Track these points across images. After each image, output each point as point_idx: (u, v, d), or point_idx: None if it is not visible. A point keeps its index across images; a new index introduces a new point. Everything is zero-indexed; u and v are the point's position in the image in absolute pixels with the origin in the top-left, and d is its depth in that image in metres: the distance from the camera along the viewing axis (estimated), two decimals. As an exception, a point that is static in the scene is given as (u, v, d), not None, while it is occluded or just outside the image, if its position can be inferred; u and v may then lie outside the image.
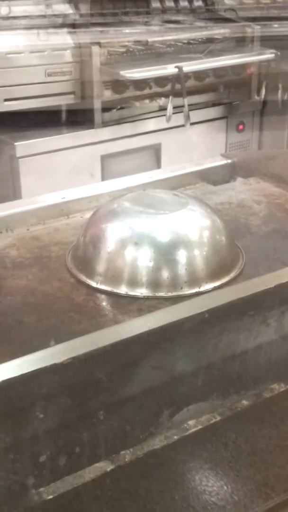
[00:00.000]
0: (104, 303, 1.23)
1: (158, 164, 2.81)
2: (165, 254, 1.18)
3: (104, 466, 0.85)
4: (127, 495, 0.85)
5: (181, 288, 1.17)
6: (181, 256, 1.17)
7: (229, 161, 1.77)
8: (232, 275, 1.21)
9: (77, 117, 2.32)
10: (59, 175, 2.41)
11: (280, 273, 1.01)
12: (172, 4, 2.89)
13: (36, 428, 0.80)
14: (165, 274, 1.17)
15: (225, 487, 0.88)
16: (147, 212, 1.24)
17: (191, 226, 1.21)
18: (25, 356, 0.76)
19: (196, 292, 1.15)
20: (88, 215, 1.56)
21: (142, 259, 1.18)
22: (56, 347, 0.79)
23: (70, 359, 0.75)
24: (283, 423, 0.98)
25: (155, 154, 2.80)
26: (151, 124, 2.70)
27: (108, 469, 0.85)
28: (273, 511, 0.88)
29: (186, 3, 2.91)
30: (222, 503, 0.86)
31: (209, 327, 0.88)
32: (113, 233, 1.24)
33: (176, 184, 1.71)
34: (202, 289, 1.16)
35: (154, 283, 1.18)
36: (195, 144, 2.82)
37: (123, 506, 0.84)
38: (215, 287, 1.16)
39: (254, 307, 0.91)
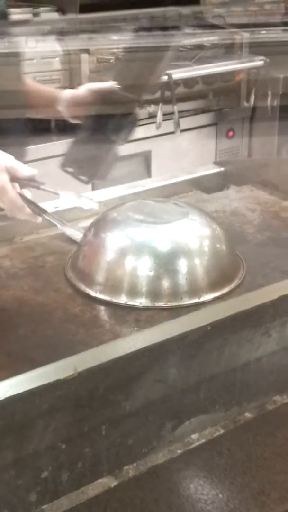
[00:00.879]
0: (100, 314, 1.22)
1: (148, 171, 2.80)
2: (166, 264, 1.16)
3: (107, 482, 0.84)
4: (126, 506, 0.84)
5: (181, 298, 1.16)
6: (182, 266, 1.16)
7: (222, 169, 1.76)
8: (232, 285, 1.21)
9: (66, 125, 2.29)
10: (49, 182, 2.39)
11: (282, 284, 1.01)
12: (160, 11, 2.89)
13: (38, 444, 0.78)
14: (165, 284, 1.16)
15: (220, 495, 0.87)
16: (147, 222, 1.23)
17: (192, 236, 1.20)
18: (27, 373, 0.75)
19: (195, 302, 1.14)
20: (81, 224, 1.55)
21: (142, 269, 1.17)
22: (58, 363, 0.78)
23: (73, 375, 0.74)
24: (278, 430, 0.98)
25: (145, 161, 2.79)
26: (140, 131, 2.68)
27: (112, 485, 0.83)
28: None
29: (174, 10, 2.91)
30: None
31: (212, 340, 0.87)
32: (113, 243, 1.23)
33: (169, 192, 1.70)
34: (202, 299, 1.15)
35: (154, 293, 1.17)
36: (185, 151, 2.82)
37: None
38: (215, 297, 1.16)
39: (256, 319, 0.90)
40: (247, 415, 0.95)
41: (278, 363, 0.97)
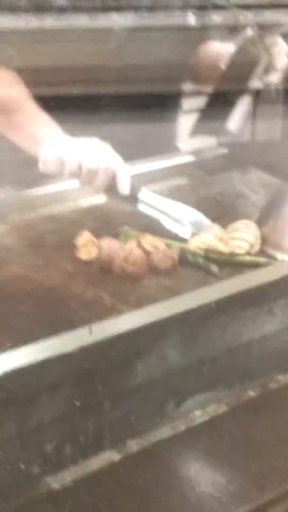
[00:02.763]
0: (102, 293, 1.21)
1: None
2: None
3: (110, 455, 0.83)
4: (125, 486, 0.83)
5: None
6: None
7: (225, 150, 1.75)
8: None
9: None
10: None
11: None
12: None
13: (41, 417, 0.78)
14: None
15: (220, 478, 0.87)
16: None
17: None
18: (33, 345, 0.74)
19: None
20: (82, 203, 1.54)
21: None
22: (64, 336, 0.77)
23: (78, 349, 0.73)
24: (279, 413, 0.97)
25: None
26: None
27: (115, 459, 0.83)
28: (269, 503, 0.87)
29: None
30: (218, 495, 0.85)
31: (216, 317, 0.86)
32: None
33: (172, 172, 1.69)
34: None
35: None
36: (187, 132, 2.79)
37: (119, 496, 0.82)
38: None
39: (261, 297, 0.90)
40: (250, 393, 0.94)
41: (282, 342, 0.97)
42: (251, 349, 0.93)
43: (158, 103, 1.65)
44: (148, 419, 0.87)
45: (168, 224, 1.38)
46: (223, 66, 1.51)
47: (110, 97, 1.53)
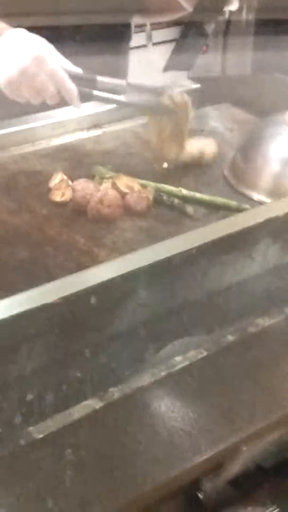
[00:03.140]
0: (77, 236, 1.20)
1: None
2: None
3: (93, 403, 0.84)
4: (105, 430, 0.85)
5: None
6: None
7: (198, 85, 1.71)
8: None
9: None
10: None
11: (267, 207, 0.99)
12: None
13: (22, 367, 0.78)
14: None
15: (191, 414, 0.89)
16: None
17: None
18: (14, 297, 0.73)
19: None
20: (54, 142, 1.51)
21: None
22: (45, 287, 0.76)
23: (60, 299, 0.72)
24: (248, 351, 0.99)
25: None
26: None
27: (97, 407, 0.84)
28: (237, 434, 0.89)
29: None
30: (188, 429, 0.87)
31: (196, 263, 0.86)
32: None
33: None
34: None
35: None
36: (157, 65, 2.73)
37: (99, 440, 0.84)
38: None
39: (242, 242, 0.89)
40: (229, 338, 0.95)
41: (261, 286, 0.97)
42: (231, 294, 0.93)
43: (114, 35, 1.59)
44: (129, 366, 0.88)
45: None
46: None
47: (67, 28, 1.47)
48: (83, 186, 1.28)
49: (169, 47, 2.79)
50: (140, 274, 0.79)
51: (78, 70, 1.26)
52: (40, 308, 0.72)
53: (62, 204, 1.27)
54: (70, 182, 1.30)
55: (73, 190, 1.28)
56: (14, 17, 1.28)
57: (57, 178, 1.31)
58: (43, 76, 1.18)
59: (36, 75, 1.18)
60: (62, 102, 1.24)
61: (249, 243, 0.89)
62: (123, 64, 1.76)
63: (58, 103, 1.23)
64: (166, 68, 1.65)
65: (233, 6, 1.44)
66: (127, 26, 1.69)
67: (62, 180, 1.30)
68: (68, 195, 1.28)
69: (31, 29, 1.26)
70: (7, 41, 1.20)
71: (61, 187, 1.29)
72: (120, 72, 1.72)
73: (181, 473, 0.84)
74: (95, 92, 1.28)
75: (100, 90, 1.28)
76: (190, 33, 1.56)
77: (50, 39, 1.24)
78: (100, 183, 1.31)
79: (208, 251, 0.84)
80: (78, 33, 1.48)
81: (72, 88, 1.22)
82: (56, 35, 1.26)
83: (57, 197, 1.28)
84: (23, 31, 1.22)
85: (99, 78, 1.29)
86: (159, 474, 0.81)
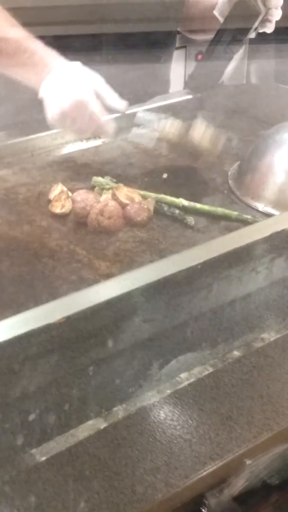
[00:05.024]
0: (78, 248, 1.19)
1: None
2: None
3: (97, 423, 0.82)
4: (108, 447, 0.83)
5: None
6: None
7: (198, 95, 1.70)
8: None
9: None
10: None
11: (273, 220, 0.98)
12: None
13: (25, 387, 0.76)
14: None
15: (190, 421, 0.88)
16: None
17: None
18: (17, 316, 0.72)
19: None
20: (53, 153, 1.49)
21: None
22: (48, 305, 0.75)
23: (63, 318, 0.71)
24: (244, 357, 0.98)
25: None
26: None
27: (102, 427, 0.82)
28: (237, 444, 0.88)
29: None
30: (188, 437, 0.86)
31: (201, 279, 0.84)
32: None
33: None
34: None
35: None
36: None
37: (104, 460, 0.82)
38: None
39: (247, 256, 0.88)
40: (235, 353, 0.94)
41: (265, 300, 0.96)
42: (236, 308, 0.92)
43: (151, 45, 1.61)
44: (133, 383, 0.86)
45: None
46: (218, 16, 1.48)
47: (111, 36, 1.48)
48: (83, 197, 1.27)
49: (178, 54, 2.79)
50: (144, 291, 0.77)
51: (122, 105, 1.31)
52: (44, 328, 0.70)
53: (62, 216, 1.26)
54: (69, 194, 1.29)
55: (73, 201, 1.27)
56: (55, 25, 1.29)
57: (57, 190, 1.30)
58: (83, 119, 1.26)
59: (76, 119, 1.26)
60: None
61: (255, 257, 0.88)
62: (165, 72, 1.78)
63: None
64: (186, 87, 1.67)
65: (269, 30, 1.45)
66: (171, 35, 1.74)
67: (61, 192, 1.29)
68: (68, 207, 1.27)
69: (75, 37, 1.29)
70: (59, 76, 1.25)
71: (60, 199, 1.27)
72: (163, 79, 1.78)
73: (183, 489, 0.83)
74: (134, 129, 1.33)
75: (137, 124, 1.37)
76: (214, 52, 1.57)
77: (95, 47, 1.26)
78: (100, 194, 1.30)
79: (213, 266, 0.83)
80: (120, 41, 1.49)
81: (108, 130, 1.31)
82: (99, 43, 1.27)
83: (57, 209, 1.27)
84: (77, 65, 1.27)
85: (140, 113, 1.39)
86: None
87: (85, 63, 1.28)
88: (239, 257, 0.86)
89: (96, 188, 1.33)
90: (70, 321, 0.72)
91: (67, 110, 1.24)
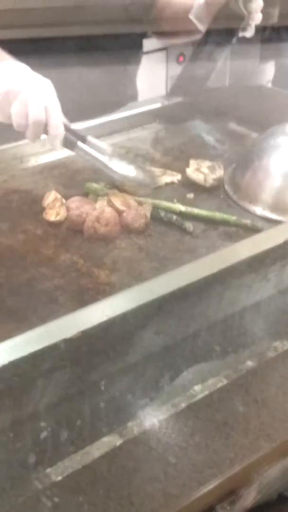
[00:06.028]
0: (75, 256, 1.16)
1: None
2: None
3: (113, 440, 0.80)
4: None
5: None
6: None
7: (186, 98, 1.68)
8: None
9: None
10: None
11: (283, 228, 0.97)
12: None
13: (37, 405, 0.73)
14: None
15: (185, 429, 0.86)
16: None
17: None
18: (29, 332, 0.69)
19: None
20: (43, 159, 1.46)
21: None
22: (60, 321, 0.72)
23: (79, 333, 0.68)
24: (243, 363, 0.96)
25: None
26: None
27: (117, 444, 0.79)
28: (234, 450, 0.87)
29: None
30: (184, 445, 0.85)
31: (211, 289, 0.82)
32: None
33: (133, 123, 1.62)
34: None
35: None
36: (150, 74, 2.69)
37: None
38: None
39: (258, 264, 0.86)
40: (249, 363, 0.92)
41: (276, 308, 0.94)
42: (248, 317, 0.90)
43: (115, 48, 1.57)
44: (145, 397, 0.84)
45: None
46: (194, 19, 1.46)
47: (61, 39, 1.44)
48: (77, 204, 1.24)
49: (146, 58, 2.77)
50: (157, 304, 0.75)
51: (59, 132, 1.22)
52: (60, 343, 0.67)
53: (57, 224, 1.23)
54: (63, 201, 1.26)
55: (68, 208, 1.24)
56: (21, 28, 1.25)
57: (51, 197, 1.27)
58: (37, 103, 1.16)
59: (27, 99, 1.15)
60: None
61: (266, 265, 0.86)
62: (132, 75, 1.74)
63: (36, 137, 1.21)
64: (171, 93, 1.64)
65: (249, 34, 1.43)
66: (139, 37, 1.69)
67: (55, 199, 1.26)
68: (62, 214, 1.24)
69: (41, 40, 1.24)
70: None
71: (55, 206, 1.24)
72: (128, 83, 1.72)
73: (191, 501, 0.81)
74: (80, 144, 1.26)
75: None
76: (200, 56, 1.55)
77: (60, 50, 1.21)
78: (95, 201, 1.27)
79: (224, 275, 0.81)
80: (89, 44, 1.45)
81: (60, 127, 1.21)
82: (68, 45, 1.23)
83: (51, 216, 1.23)
84: (26, 68, 1.20)
85: (90, 138, 1.30)
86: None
87: (39, 66, 1.22)
88: (251, 266, 0.84)
89: (90, 194, 1.30)
90: (85, 335, 0.70)
91: (15, 93, 1.14)
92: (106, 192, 1.29)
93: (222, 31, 1.48)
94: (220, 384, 0.91)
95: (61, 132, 1.22)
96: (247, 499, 0.93)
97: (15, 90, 1.15)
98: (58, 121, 1.20)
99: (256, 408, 0.90)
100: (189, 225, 1.23)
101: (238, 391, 0.92)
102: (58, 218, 1.23)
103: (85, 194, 1.30)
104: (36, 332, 0.68)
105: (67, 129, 1.24)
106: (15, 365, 0.65)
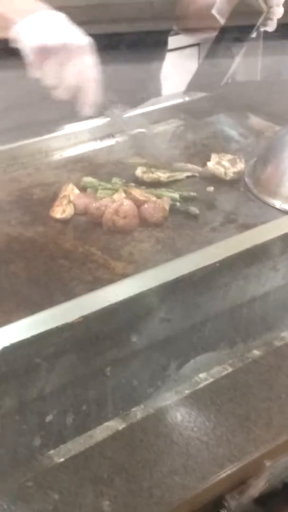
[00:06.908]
0: (93, 248, 1.17)
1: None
2: None
3: (115, 424, 0.81)
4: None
5: None
6: None
7: (212, 93, 1.68)
8: None
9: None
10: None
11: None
12: None
13: (42, 388, 0.75)
14: None
15: (207, 423, 0.87)
16: None
17: None
18: (34, 316, 0.71)
19: None
20: (67, 152, 1.49)
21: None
22: (65, 305, 0.74)
23: (81, 318, 0.70)
24: (263, 358, 0.96)
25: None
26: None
27: (120, 428, 0.81)
28: (256, 445, 0.87)
29: None
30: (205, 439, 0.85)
31: (219, 277, 0.83)
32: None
33: (157, 118, 1.63)
34: None
35: None
36: (166, 73, 2.71)
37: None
38: None
39: (266, 253, 0.86)
40: (255, 352, 0.92)
41: (285, 298, 0.94)
42: (255, 307, 0.91)
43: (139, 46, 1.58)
44: (151, 383, 0.85)
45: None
46: (217, 15, 1.47)
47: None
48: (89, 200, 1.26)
49: (178, 54, 2.78)
50: (162, 290, 0.76)
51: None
52: (61, 327, 0.69)
53: (77, 216, 1.25)
54: (71, 197, 1.26)
55: (75, 205, 1.25)
56: None
57: (68, 190, 1.28)
58: (75, 65, 1.12)
59: (69, 59, 1.11)
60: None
61: (274, 254, 0.86)
62: (156, 71, 1.76)
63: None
64: (189, 88, 1.65)
65: (270, 28, 1.43)
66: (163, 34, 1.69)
67: (64, 196, 1.27)
68: (69, 212, 1.24)
69: None
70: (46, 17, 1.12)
71: (62, 204, 1.25)
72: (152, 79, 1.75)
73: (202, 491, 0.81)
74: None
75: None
76: (217, 51, 1.56)
77: None
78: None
79: (232, 263, 0.81)
80: (113, 41, 1.46)
81: (96, 92, 1.18)
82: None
83: (57, 214, 1.24)
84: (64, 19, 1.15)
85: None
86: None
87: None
88: (258, 255, 0.84)
89: (88, 189, 1.31)
90: (87, 320, 0.71)
91: (64, 43, 1.09)
92: (122, 186, 1.30)
93: (240, 26, 1.48)
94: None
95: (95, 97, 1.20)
96: (256, 488, 0.93)
97: (52, 46, 1.10)
98: (94, 85, 1.17)
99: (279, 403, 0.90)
100: (193, 209, 1.24)
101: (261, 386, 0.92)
102: (64, 215, 1.24)
103: (83, 189, 1.31)
104: (38, 317, 0.70)
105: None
106: (16, 348, 0.66)
